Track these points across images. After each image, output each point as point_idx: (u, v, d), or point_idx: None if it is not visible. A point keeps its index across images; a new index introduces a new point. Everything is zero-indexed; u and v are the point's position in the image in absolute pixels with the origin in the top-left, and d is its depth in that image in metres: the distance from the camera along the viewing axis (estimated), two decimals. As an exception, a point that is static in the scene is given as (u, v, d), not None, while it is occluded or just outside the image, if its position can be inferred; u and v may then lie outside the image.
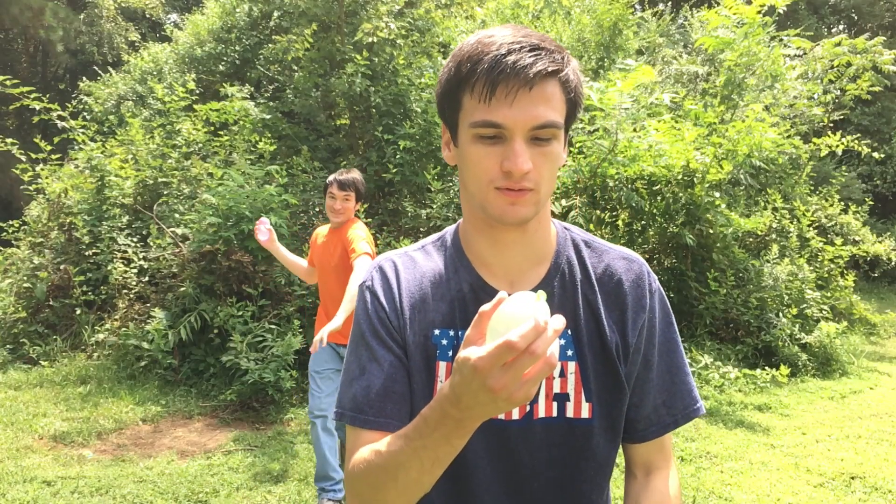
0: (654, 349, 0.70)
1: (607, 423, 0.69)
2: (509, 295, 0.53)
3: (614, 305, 0.70)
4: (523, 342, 0.46)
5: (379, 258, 0.76)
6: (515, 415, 0.67)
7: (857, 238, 6.53)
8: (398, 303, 0.70)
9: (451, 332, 0.69)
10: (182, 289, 3.84)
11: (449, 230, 0.77)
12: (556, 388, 0.68)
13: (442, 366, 0.69)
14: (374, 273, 0.73)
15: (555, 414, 0.68)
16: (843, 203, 6.98)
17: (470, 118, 0.62)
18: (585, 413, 0.68)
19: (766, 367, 4.34)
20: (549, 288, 0.69)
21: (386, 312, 0.70)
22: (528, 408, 0.67)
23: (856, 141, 5.71)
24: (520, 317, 0.48)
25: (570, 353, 0.68)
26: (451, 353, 0.68)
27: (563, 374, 0.68)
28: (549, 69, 0.60)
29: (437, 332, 0.69)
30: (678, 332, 0.74)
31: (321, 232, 2.38)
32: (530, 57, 0.59)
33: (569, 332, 0.68)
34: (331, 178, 2.24)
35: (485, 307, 0.52)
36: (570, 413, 0.67)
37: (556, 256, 0.71)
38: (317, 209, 4.55)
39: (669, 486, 0.71)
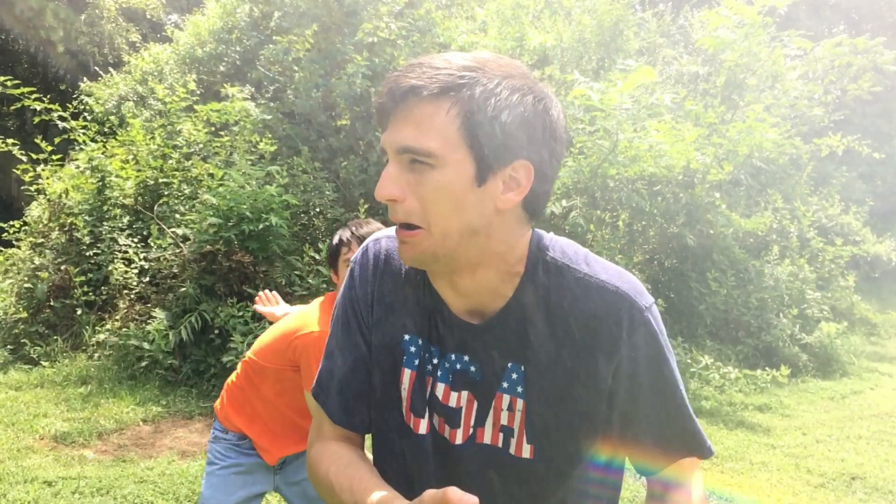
0: (639, 391, 0.62)
1: (554, 464, 0.64)
2: None
3: (583, 344, 0.61)
4: None
5: (374, 235, 0.73)
6: (459, 439, 0.65)
7: (857, 238, 6.53)
8: (371, 297, 0.68)
9: (421, 342, 0.66)
10: (183, 289, 3.84)
11: None
12: (504, 420, 0.64)
13: (406, 373, 0.67)
14: (361, 254, 0.71)
15: (500, 444, 0.65)
16: (843, 203, 6.98)
17: None
18: (526, 454, 0.64)
19: (767, 368, 4.34)
20: (505, 318, 0.62)
21: (360, 305, 0.69)
22: (470, 431, 0.65)
23: (856, 141, 5.71)
24: None
25: (519, 389, 0.63)
26: (416, 362, 0.66)
27: (511, 409, 0.64)
28: (419, 84, 0.54)
29: (406, 337, 0.66)
30: (673, 371, 0.64)
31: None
32: (411, 75, 0.55)
33: (522, 367, 0.63)
34: (343, 234, 1.45)
35: (454, 496, 0.47)
36: (512, 449, 0.64)
37: (521, 285, 0.63)
38: (317, 209, 4.55)
39: (692, 499, 0.65)
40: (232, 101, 4.87)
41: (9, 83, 4.32)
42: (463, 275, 0.62)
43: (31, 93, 4.47)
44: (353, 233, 1.42)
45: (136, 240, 4.34)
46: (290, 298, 3.92)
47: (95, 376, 3.75)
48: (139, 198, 4.69)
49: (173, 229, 4.30)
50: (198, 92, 5.59)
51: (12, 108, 5.08)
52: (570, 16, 6.65)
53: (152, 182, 4.68)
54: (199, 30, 6.83)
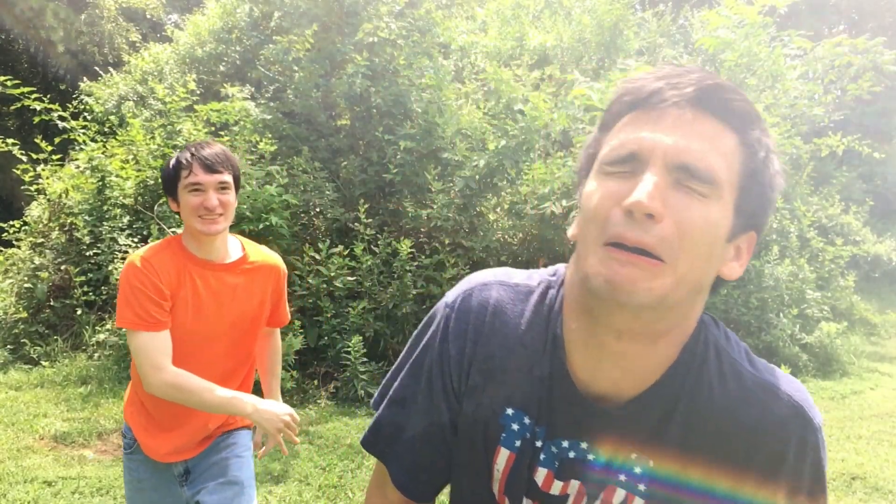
0: None
1: None
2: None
3: (734, 454, 0.50)
4: None
5: (481, 278, 0.58)
6: None
7: (857, 238, 6.53)
8: (468, 360, 0.56)
9: (528, 420, 0.55)
10: (183, 289, 3.84)
11: (562, 272, 0.57)
12: None
13: (503, 453, 0.56)
14: (461, 299, 0.57)
15: None
16: (843, 203, 6.98)
17: (604, 149, 0.49)
18: None
19: (767, 368, 4.35)
20: (647, 405, 0.52)
21: (450, 366, 0.57)
22: None
23: (856, 141, 5.71)
24: None
25: (641, 487, 0.53)
26: (517, 443, 0.55)
27: None
28: (726, 96, 0.45)
29: (510, 411, 0.55)
30: (827, 495, 0.54)
31: (164, 266, 1.20)
32: (714, 80, 0.46)
33: (650, 463, 0.52)
34: (183, 155, 1.21)
35: None
36: None
37: (675, 367, 0.51)
38: (317, 209, 4.55)
39: None
40: (232, 101, 4.87)
41: (9, 83, 4.33)
42: (642, 341, 0.50)
43: (31, 93, 4.47)
44: (193, 153, 1.19)
45: (136, 240, 4.34)
46: (290, 298, 3.92)
47: (95, 376, 3.75)
48: (139, 198, 4.69)
49: (173, 229, 4.30)
50: (198, 92, 5.59)
51: (12, 108, 5.08)
52: (570, 16, 6.65)
53: (152, 182, 4.68)
54: (199, 30, 6.84)
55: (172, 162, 1.22)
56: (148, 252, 1.23)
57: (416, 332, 0.62)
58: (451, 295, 0.59)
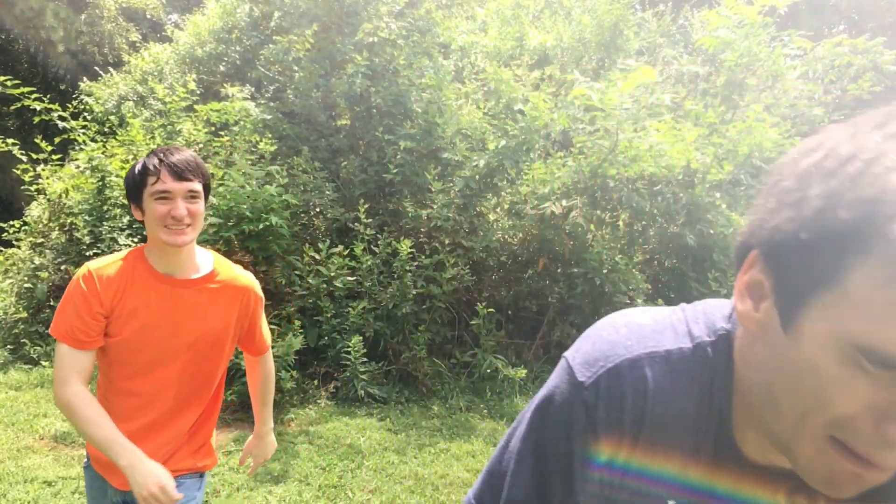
0: None
1: None
2: None
3: None
4: None
5: (624, 350, 0.48)
6: None
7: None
8: (625, 453, 0.48)
9: None
10: (183, 289, 3.84)
11: (719, 327, 0.48)
12: None
13: None
14: (606, 382, 0.47)
15: None
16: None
17: (868, 332, 0.34)
18: None
19: (767, 368, 4.34)
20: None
21: (598, 463, 0.49)
22: None
23: (856, 141, 5.70)
24: None
25: None
26: None
27: None
28: None
29: (671, 503, 0.49)
30: None
31: (109, 282, 1.14)
32: None
33: None
34: (150, 161, 1.12)
35: None
36: None
37: None
38: (317, 209, 4.55)
39: None
40: (232, 101, 4.87)
41: (9, 83, 4.33)
42: None
43: (31, 93, 4.47)
44: (161, 159, 1.11)
45: (136, 240, 4.34)
46: (290, 297, 3.92)
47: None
48: (139, 198, 4.69)
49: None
50: (198, 92, 5.60)
51: (12, 108, 5.08)
52: (570, 16, 6.66)
53: (152, 182, 4.68)
54: (199, 30, 6.85)
55: (138, 167, 1.13)
56: (99, 265, 1.16)
57: (529, 420, 0.53)
58: (587, 373, 0.48)
